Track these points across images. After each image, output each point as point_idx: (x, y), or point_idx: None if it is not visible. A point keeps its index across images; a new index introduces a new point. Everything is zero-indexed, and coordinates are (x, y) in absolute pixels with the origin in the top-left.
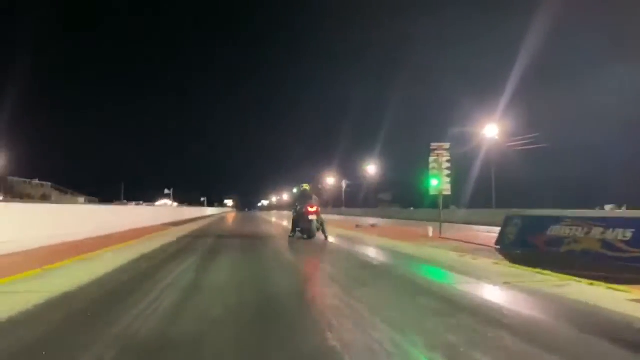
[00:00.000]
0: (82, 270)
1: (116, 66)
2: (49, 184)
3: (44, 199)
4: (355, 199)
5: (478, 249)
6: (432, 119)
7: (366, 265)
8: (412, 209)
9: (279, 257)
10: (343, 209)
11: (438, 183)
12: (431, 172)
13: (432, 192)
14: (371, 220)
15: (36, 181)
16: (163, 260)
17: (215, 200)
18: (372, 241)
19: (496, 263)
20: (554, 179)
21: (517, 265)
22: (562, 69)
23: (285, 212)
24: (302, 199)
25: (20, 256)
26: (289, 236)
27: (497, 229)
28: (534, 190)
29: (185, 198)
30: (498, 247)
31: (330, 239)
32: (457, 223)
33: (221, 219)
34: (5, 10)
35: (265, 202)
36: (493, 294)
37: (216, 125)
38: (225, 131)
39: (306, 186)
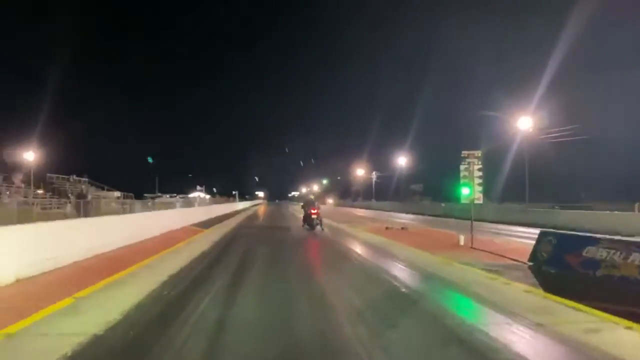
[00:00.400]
0: (112, 300)
1: (145, 59)
2: (86, 179)
3: (80, 197)
4: (386, 191)
5: (510, 265)
6: (464, 110)
7: (394, 293)
8: (443, 204)
9: (308, 285)
10: (373, 201)
11: (469, 192)
12: (462, 181)
13: (463, 200)
14: (401, 218)
15: (74, 177)
16: (191, 282)
17: (246, 192)
18: (402, 254)
19: (528, 291)
20: (593, 173)
21: (550, 295)
22: (603, 59)
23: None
24: (309, 204)
25: (54, 276)
26: (302, 226)
27: (530, 232)
28: (571, 184)
29: (218, 188)
30: (531, 264)
31: (359, 250)
32: (488, 222)
33: (251, 216)
34: (41, 11)
35: (295, 193)
36: (525, 343)
37: (247, 116)
38: (256, 122)
39: (312, 196)
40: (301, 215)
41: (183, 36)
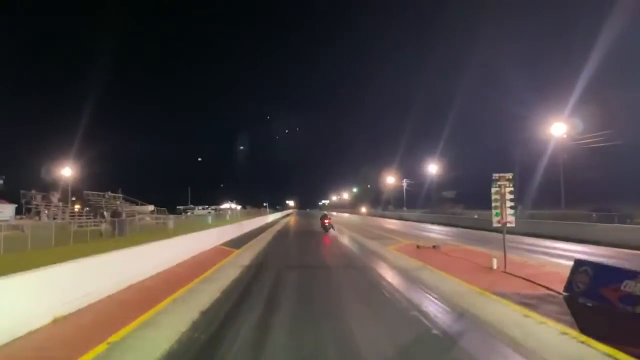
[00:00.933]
0: (144, 347)
1: (171, 71)
2: (120, 195)
3: (115, 215)
4: (417, 198)
5: (545, 296)
6: (496, 116)
7: (425, 336)
8: (476, 216)
9: (336, 323)
10: (404, 209)
11: (500, 215)
12: (494, 204)
13: (495, 224)
14: (433, 231)
15: (109, 194)
16: (221, 322)
17: (277, 202)
18: (433, 282)
19: (564, 333)
20: (627, 179)
21: (587, 339)
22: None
23: (347, 215)
24: (323, 217)
25: (89, 314)
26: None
27: (566, 250)
28: (606, 190)
29: (249, 200)
30: (566, 294)
31: (389, 278)
32: (521, 234)
33: (281, 231)
34: (73, 28)
35: (325, 202)
36: None
37: (276, 128)
38: (287, 132)
39: (325, 212)
40: (332, 229)
41: (222, 49)
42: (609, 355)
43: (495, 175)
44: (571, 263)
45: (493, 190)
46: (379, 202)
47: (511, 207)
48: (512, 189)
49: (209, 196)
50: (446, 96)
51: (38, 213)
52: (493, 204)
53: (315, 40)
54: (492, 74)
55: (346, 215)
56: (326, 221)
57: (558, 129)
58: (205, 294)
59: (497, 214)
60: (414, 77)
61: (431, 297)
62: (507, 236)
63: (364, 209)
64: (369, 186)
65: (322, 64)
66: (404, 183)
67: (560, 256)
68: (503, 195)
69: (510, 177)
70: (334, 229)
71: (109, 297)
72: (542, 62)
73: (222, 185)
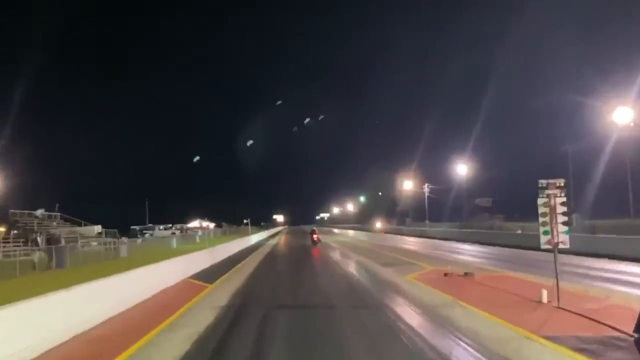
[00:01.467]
0: None
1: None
2: (58, 214)
3: (52, 242)
4: (443, 208)
5: (609, 339)
6: (542, 102)
7: None
8: (519, 231)
9: None
10: (427, 223)
11: (550, 233)
12: (541, 219)
13: (544, 245)
14: (464, 253)
15: (42, 211)
16: None
17: (262, 218)
18: (467, 323)
19: None
20: None
21: None
22: None
23: (353, 232)
24: (312, 232)
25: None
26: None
27: (637, 273)
28: None
29: (225, 216)
30: (638, 336)
31: (409, 318)
32: (578, 254)
33: (267, 259)
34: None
35: (325, 215)
36: None
37: (260, 123)
38: (274, 126)
39: (314, 228)
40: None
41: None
42: None
43: (542, 182)
44: None
45: (540, 201)
46: (393, 214)
47: (564, 223)
48: (564, 199)
49: (174, 212)
50: (478, 78)
51: None
52: (540, 220)
53: (311, 12)
54: (537, 48)
55: (351, 232)
56: (315, 236)
57: (622, 115)
58: (170, 347)
59: (545, 233)
60: (436, 55)
61: (464, 345)
62: (561, 257)
63: (379, 224)
64: (380, 194)
65: (320, 31)
66: (426, 189)
67: (630, 284)
68: (553, 208)
69: (562, 184)
70: (320, 242)
71: (48, 353)
72: (603, 32)
73: (190, 199)
